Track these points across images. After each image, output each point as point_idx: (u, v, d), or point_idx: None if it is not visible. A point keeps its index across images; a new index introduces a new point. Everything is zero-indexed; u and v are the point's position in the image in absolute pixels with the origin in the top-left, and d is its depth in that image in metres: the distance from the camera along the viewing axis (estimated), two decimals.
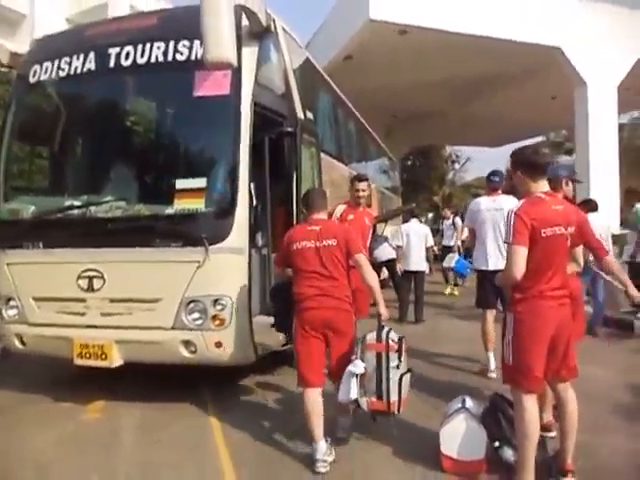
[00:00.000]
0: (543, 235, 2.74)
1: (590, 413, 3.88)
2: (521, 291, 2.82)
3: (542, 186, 2.90)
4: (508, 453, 3.09)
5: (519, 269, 2.73)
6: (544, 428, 3.48)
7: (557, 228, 2.78)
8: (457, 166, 35.84)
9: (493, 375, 4.79)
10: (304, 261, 3.42)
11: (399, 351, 3.32)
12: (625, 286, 3.07)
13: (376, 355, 3.32)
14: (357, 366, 3.24)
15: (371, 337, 3.37)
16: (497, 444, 3.14)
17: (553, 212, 2.81)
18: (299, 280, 3.47)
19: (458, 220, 11.62)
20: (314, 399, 3.30)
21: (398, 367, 3.29)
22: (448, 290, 10.79)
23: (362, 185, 4.96)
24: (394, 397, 3.27)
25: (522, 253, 2.73)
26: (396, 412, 3.32)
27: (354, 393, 3.23)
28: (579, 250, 3.07)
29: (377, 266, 9.06)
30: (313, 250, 3.40)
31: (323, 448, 3.20)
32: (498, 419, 3.18)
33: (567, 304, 2.86)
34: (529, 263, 2.74)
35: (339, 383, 3.31)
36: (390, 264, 8.82)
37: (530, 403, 2.81)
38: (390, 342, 3.33)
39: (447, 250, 10.99)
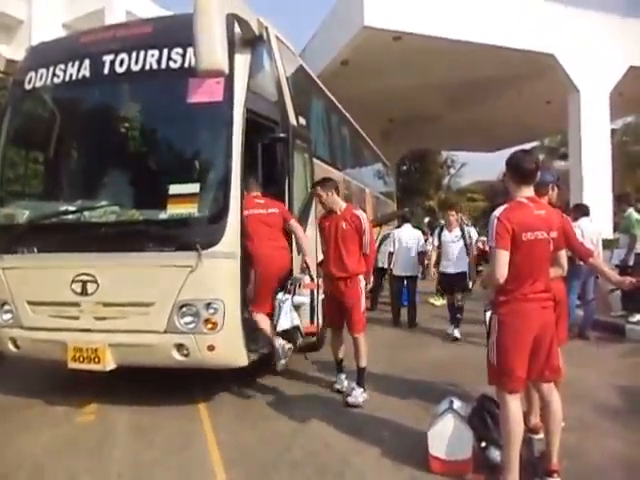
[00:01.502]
0: (524, 239, 2.80)
1: (578, 415, 3.96)
2: (505, 294, 2.88)
3: (526, 191, 2.95)
4: (494, 453, 3.14)
5: (501, 273, 2.79)
6: (531, 430, 3.55)
7: (539, 233, 2.83)
8: (452, 171, 35.97)
9: None
10: (259, 225, 4.43)
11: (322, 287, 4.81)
12: (609, 278, 3.24)
13: (310, 291, 4.73)
14: (299, 300, 4.50)
15: (306, 279, 4.65)
16: (484, 444, 3.19)
17: (535, 217, 2.86)
18: (257, 242, 4.40)
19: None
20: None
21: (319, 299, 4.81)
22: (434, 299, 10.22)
23: (317, 191, 4.73)
24: (320, 320, 4.79)
25: (504, 257, 2.79)
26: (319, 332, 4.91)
27: (297, 320, 4.41)
28: (563, 254, 3.13)
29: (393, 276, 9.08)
30: (263, 216, 4.51)
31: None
32: (485, 420, 3.23)
33: (550, 307, 2.92)
34: (512, 266, 2.80)
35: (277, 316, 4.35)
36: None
37: (514, 403, 2.87)
38: (319, 281, 4.77)
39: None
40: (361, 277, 4.60)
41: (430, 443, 3.20)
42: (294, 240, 4.84)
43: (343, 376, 4.79)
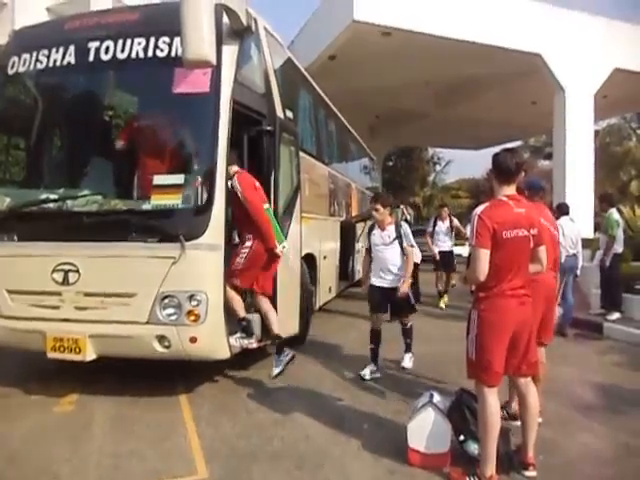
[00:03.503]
0: (504, 237, 2.85)
1: (555, 410, 4.05)
2: (484, 290, 2.93)
3: (507, 190, 2.99)
4: (472, 447, 3.19)
5: (482, 270, 2.84)
6: (513, 417, 3.63)
7: (519, 230, 2.88)
8: (438, 168, 36.20)
9: None
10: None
11: None
12: None
13: None
14: None
15: None
16: (462, 438, 3.24)
17: (516, 215, 2.91)
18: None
19: (457, 222, 10.06)
20: None
21: None
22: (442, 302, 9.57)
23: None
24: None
25: (484, 255, 2.84)
26: None
27: None
28: (542, 250, 3.17)
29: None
30: None
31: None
32: (463, 413, 3.27)
33: (528, 302, 2.97)
34: (492, 264, 2.85)
35: None
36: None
37: (492, 397, 2.92)
38: None
39: (444, 257, 9.64)
40: (249, 241, 4.55)
41: (409, 436, 3.24)
42: None
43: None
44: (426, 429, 3.19)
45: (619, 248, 7.60)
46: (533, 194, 3.99)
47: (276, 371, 4.62)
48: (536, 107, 16.81)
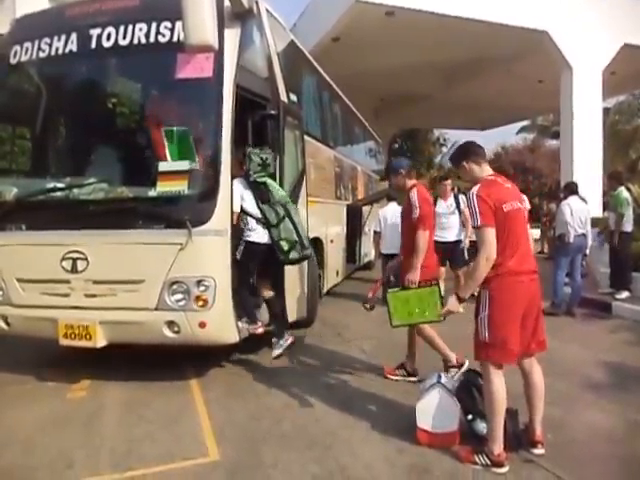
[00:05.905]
0: (505, 211, 2.88)
1: (563, 389, 4.06)
2: (493, 268, 2.90)
3: (487, 169, 3.10)
4: (480, 426, 3.20)
5: (494, 249, 2.84)
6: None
7: (514, 203, 2.95)
8: (444, 149, 35.84)
9: None
10: None
11: None
12: None
13: None
14: None
15: None
16: (470, 417, 3.26)
17: (506, 190, 3.00)
18: None
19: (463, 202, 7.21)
20: None
21: None
22: None
23: None
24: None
25: (492, 233, 2.84)
26: None
27: None
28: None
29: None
30: None
31: None
32: (471, 393, 3.29)
33: (536, 280, 2.98)
34: (498, 241, 2.85)
35: None
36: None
37: (498, 377, 2.93)
38: None
39: (448, 250, 7.09)
40: None
41: (418, 416, 3.26)
42: None
43: None
44: (434, 409, 3.22)
45: (629, 227, 7.53)
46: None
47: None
48: (543, 85, 16.55)
